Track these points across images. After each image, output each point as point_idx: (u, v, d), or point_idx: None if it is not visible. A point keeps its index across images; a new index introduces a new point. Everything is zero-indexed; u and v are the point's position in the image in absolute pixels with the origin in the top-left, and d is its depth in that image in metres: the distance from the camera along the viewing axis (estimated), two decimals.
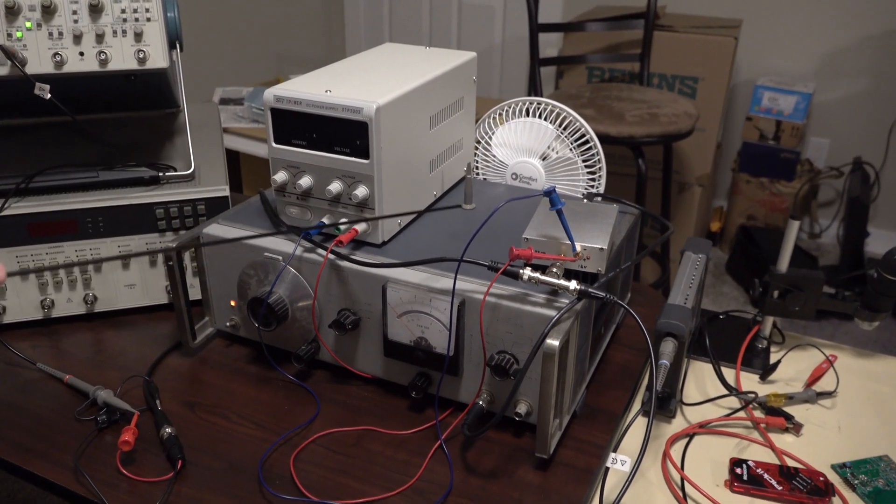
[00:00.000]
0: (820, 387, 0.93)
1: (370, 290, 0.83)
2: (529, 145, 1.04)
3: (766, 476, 0.78)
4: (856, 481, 0.79)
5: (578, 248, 0.78)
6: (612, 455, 0.74)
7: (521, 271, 0.76)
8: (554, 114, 1.04)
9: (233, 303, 0.94)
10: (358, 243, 0.88)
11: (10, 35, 0.87)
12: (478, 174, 1.11)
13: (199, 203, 1.01)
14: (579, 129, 1.02)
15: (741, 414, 0.89)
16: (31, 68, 0.89)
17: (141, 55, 0.91)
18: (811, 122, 2.95)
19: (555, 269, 0.77)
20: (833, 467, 0.82)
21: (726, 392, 0.91)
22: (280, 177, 0.86)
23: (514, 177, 1.06)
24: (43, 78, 0.88)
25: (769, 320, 0.99)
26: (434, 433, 0.83)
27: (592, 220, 0.83)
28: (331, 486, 0.76)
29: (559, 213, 0.77)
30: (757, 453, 0.84)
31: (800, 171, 2.85)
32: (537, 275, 0.75)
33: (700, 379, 0.96)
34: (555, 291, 0.78)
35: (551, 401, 0.74)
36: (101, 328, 1.02)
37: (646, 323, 0.74)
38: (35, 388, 0.90)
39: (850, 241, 2.63)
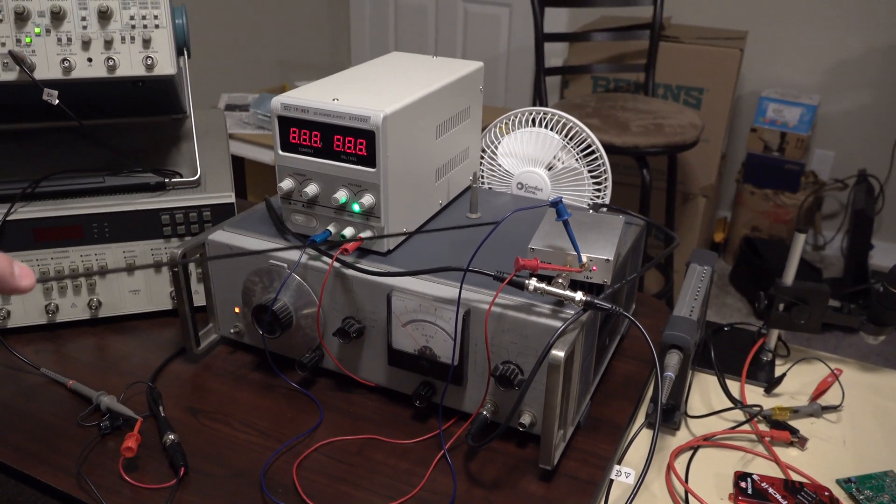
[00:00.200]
0: (825, 401, 0.92)
1: (375, 299, 0.83)
2: (535, 155, 1.04)
3: (770, 490, 0.78)
4: (861, 496, 0.79)
5: (584, 259, 0.78)
6: (616, 467, 0.74)
7: (526, 281, 0.76)
8: (560, 124, 1.04)
9: (237, 309, 0.94)
10: (363, 251, 0.88)
11: (19, 40, 0.87)
12: (483, 183, 1.11)
13: (205, 209, 1.01)
14: (585, 140, 1.02)
15: (746, 427, 0.89)
16: (40, 74, 0.89)
17: (149, 62, 0.91)
18: (816, 133, 2.95)
19: (560, 280, 0.77)
20: (838, 482, 0.81)
21: (731, 405, 0.91)
22: (286, 184, 0.87)
23: (519, 186, 1.06)
24: (51, 83, 0.88)
25: (774, 333, 0.99)
26: (437, 443, 0.83)
27: (598, 230, 0.83)
28: (333, 494, 0.76)
29: (566, 223, 0.77)
30: (761, 467, 0.83)
31: (804, 183, 2.85)
32: (543, 285, 0.75)
33: (705, 391, 0.95)
34: (560, 302, 0.77)
35: (556, 412, 0.73)
36: (104, 333, 1.02)
37: (650, 334, 0.74)
38: (38, 393, 0.90)
39: (854, 254, 2.63)
